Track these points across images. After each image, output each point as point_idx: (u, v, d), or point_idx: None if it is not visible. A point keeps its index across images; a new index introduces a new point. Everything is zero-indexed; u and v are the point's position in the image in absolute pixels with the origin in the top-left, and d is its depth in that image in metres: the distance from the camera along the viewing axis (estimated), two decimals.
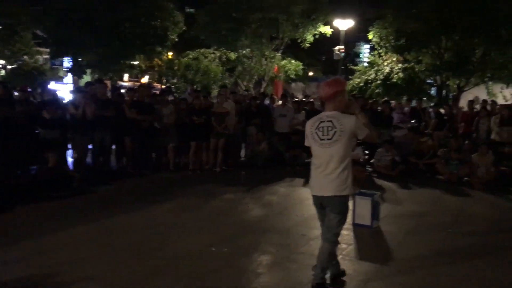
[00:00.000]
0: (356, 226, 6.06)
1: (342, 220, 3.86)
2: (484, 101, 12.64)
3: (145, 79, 29.68)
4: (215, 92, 17.14)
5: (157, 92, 12.79)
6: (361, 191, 6.37)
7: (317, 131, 3.79)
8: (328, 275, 4.05)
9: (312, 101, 13.24)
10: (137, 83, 24.97)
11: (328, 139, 3.72)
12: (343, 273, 4.25)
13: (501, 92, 18.03)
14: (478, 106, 12.92)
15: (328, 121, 3.75)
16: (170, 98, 10.87)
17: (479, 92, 19.95)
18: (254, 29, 19.29)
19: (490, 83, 18.31)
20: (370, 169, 10.56)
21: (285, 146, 10.93)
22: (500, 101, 15.59)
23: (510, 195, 8.59)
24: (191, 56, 21.20)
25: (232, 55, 21.31)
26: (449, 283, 4.34)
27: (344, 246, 5.31)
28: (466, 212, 7.26)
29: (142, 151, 9.52)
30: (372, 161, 10.74)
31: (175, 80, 21.01)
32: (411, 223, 6.43)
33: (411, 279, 4.40)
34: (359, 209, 6.13)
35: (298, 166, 10.53)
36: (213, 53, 21.41)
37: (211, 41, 20.57)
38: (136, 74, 27.30)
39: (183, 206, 7.01)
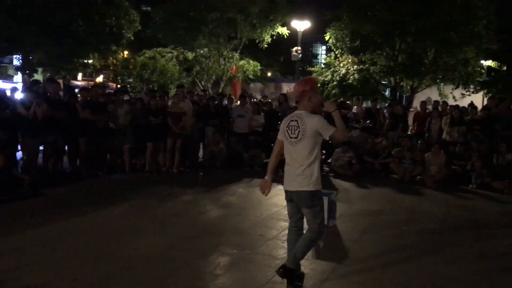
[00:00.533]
0: None
1: (316, 214, 3.96)
2: (436, 102, 13.05)
3: (100, 79, 28.96)
4: (172, 92, 16.92)
5: (112, 91, 12.47)
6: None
7: (287, 129, 3.98)
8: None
9: (270, 101, 13.30)
10: (92, 83, 24.32)
11: (295, 138, 3.92)
12: (302, 274, 4.20)
13: (451, 93, 18.73)
14: (430, 107, 13.34)
15: (294, 120, 3.93)
16: (126, 98, 10.61)
17: (431, 93, 20.68)
18: (211, 28, 19.19)
19: (442, 84, 18.97)
20: (327, 168, 10.70)
21: (244, 147, 10.92)
22: (451, 101, 16.17)
23: (461, 193, 8.90)
24: (147, 55, 20.86)
25: (190, 55, 21.12)
26: (403, 280, 4.42)
27: None
28: (419, 210, 7.47)
29: (96, 153, 9.25)
30: (329, 160, 10.89)
31: (131, 80, 20.62)
32: (366, 221, 6.54)
33: (367, 276, 4.46)
34: None
35: (257, 167, 10.54)
36: (170, 52, 21.15)
37: (168, 40, 20.32)
38: (90, 73, 26.57)
39: (138, 208, 6.84)
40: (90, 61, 20.13)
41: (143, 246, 5.12)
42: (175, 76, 20.73)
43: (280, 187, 8.74)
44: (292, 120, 3.96)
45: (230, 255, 4.93)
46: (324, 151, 11.05)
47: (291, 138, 3.94)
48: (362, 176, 9.99)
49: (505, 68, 21.43)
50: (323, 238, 4.74)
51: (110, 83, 25.89)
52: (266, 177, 4.21)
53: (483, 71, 20.81)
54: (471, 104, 11.52)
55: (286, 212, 6.75)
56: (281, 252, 5.08)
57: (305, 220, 4.10)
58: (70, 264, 4.48)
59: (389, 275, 4.52)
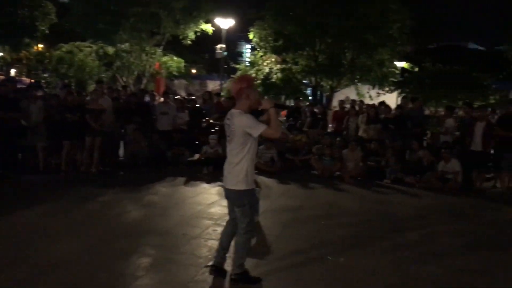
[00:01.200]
0: None
1: (244, 213, 4.01)
2: (353, 101, 13.63)
3: (12, 73, 27.10)
4: (91, 88, 16.25)
5: (25, 87, 11.74)
6: None
7: (226, 127, 4.06)
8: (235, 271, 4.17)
9: (194, 99, 13.17)
10: (2, 77, 22.72)
11: (228, 137, 4.02)
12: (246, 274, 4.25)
13: (368, 92, 19.65)
14: (348, 106, 13.91)
15: (228, 119, 4.00)
16: (40, 93, 10.02)
17: (350, 93, 21.55)
18: (133, 23, 18.62)
19: (359, 84, 19.85)
20: None
21: (167, 145, 10.72)
22: (368, 101, 16.96)
23: (376, 187, 9.37)
24: (64, 49, 19.84)
25: (110, 50, 20.37)
26: (323, 273, 4.58)
27: None
28: (338, 204, 7.76)
29: (7, 152, 8.64)
30: None
31: (46, 75, 19.50)
32: (287, 217, 6.70)
33: (288, 271, 4.57)
34: None
35: (181, 165, 10.41)
36: (89, 46, 20.27)
37: (87, 34, 19.44)
38: (1, 67, 24.82)
39: (53, 211, 6.48)
40: (1, 54, 18.81)
41: (59, 250, 4.86)
42: (94, 71, 19.92)
43: (205, 185, 8.81)
44: (227, 119, 4.03)
45: (151, 256, 4.83)
46: None
47: (228, 136, 4.03)
48: (284, 173, 10.21)
49: (417, 69, 22.87)
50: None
51: (23, 78, 24.33)
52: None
53: (397, 72, 22.06)
54: (383, 103, 12.14)
55: (210, 210, 6.81)
56: (204, 250, 5.07)
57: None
58: None
59: (310, 269, 4.66)
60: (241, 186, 3.96)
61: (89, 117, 9.17)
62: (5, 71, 26.17)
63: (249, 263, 4.69)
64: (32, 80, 19.25)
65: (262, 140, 10.90)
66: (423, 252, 5.39)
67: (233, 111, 4.00)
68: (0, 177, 8.23)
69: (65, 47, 20.13)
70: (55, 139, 9.14)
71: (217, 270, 4.29)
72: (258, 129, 3.85)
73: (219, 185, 4.18)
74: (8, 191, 7.66)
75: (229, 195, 4.07)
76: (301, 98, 15.84)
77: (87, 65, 19.69)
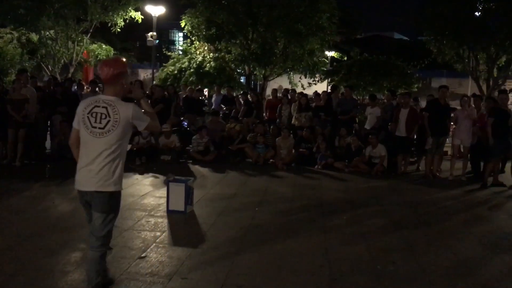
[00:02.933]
0: (170, 213, 6.13)
1: (107, 221, 3.38)
2: (286, 90, 13.88)
3: None
4: (12, 77, 15.32)
5: None
6: (176, 178, 6.43)
7: (90, 116, 3.31)
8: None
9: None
10: None
11: (100, 128, 3.29)
12: (111, 281, 3.86)
13: (299, 81, 20.02)
14: (281, 94, 14.15)
15: (103, 107, 3.31)
16: None
17: (283, 82, 21.88)
18: (57, 9, 17.68)
19: (292, 73, 20.18)
20: (185, 156, 10.74)
21: None
22: (300, 89, 17.32)
23: (308, 173, 9.64)
24: None
25: (34, 37, 19.26)
26: (257, 259, 4.67)
27: (158, 233, 5.33)
28: (271, 191, 7.93)
29: None
30: (188, 148, 10.94)
31: None
32: (222, 205, 6.75)
33: (223, 259, 4.61)
34: (173, 195, 6.19)
35: None
36: (10, 33, 19.05)
37: (6, 20, 18.22)
38: None
39: None
40: None
41: None
42: (16, 59, 18.76)
43: (137, 176, 8.65)
44: (97, 106, 3.31)
45: (81, 250, 4.68)
46: (182, 139, 11.08)
47: (94, 128, 3.29)
48: (219, 161, 10.24)
49: (345, 58, 23.59)
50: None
51: None
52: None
53: (327, 61, 22.63)
54: (315, 92, 12.51)
55: (143, 202, 6.71)
56: (137, 242, 5.02)
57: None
58: None
59: (244, 255, 4.73)
60: (114, 188, 3.36)
61: (10, 108, 8.67)
62: None
63: (182, 253, 4.71)
64: None
65: (196, 129, 10.88)
66: (350, 233, 5.65)
67: (109, 98, 3.35)
68: None
69: None
70: None
71: None
72: (145, 121, 3.41)
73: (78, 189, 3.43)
74: None
75: (95, 199, 3.35)
76: (233, 87, 15.89)
77: (8, 53, 18.51)
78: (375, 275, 4.37)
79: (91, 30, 19.80)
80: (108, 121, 3.29)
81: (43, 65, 19.95)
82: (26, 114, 8.91)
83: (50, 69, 19.57)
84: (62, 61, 19.56)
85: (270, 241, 5.21)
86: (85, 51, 20.19)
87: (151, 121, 3.46)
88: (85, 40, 19.62)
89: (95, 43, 20.69)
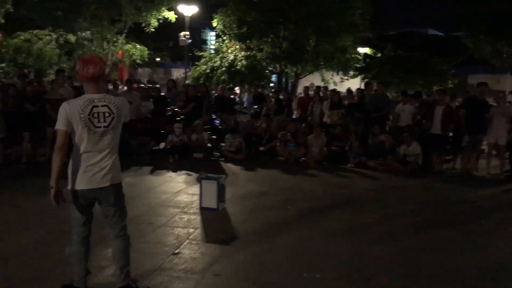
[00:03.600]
0: (203, 210, 6.20)
1: (124, 209, 3.62)
2: (318, 87, 13.81)
3: None
4: (51, 77, 15.80)
5: None
6: (208, 175, 6.52)
7: (91, 117, 3.30)
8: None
9: (158, 87, 13.05)
10: None
11: (105, 127, 3.35)
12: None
13: (331, 78, 19.90)
14: (312, 92, 14.09)
15: (102, 105, 3.34)
16: None
17: (314, 79, 21.79)
18: (93, 10, 18.15)
19: (323, 70, 20.07)
20: (217, 153, 10.83)
21: (131, 134, 10.59)
22: (332, 87, 17.21)
23: (340, 172, 9.57)
24: (22, 38, 19.16)
25: (72, 38, 19.82)
26: (287, 256, 4.69)
27: (191, 230, 5.41)
28: (302, 189, 7.91)
29: None
30: (222, 145, 11.03)
31: (3, 64, 18.79)
32: (253, 203, 6.79)
33: (254, 256, 4.65)
34: (206, 193, 6.26)
35: (146, 155, 10.34)
36: (49, 35, 19.66)
37: (44, 22, 18.82)
38: None
39: (11, 203, 6.35)
40: None
41: (17, 243, 4.79)
42: (54, 60, 19.36)
43: (171, 174, 8.79)
44: (95, 106, 3.31)
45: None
46: (214, 136, 11.18)
47: (98, 127, 3.32)
48: (250, 159, 10.28)
49: (379, 55, 23.27)
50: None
51: None
52: (57, 187, 3.40)
53: (360, 58, 22.39)
54: (348, 90, 12.40)
55: (176, 199, 6.82)
56: (171, 238, 5.10)
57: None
58: None
59: (275, 253, 4.76)
60: (121, 177, 3.56)
61: (49, 107, 8.95)
62: None
63: (215, 249, 4.76)
64: None
65: (230, 128, 10.97)
66: (379, 232, 5.59)
67: (104, 95, 3.40)
68: None
69: (23, 35, 19.43)
70: (14, 130, 8.90)
71: None
72: (130, 114, 3.62)
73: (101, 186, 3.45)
74: None
75: (113, 192, 3.48)
76: (265, 85, 15.92)
77: (46, 54, 19.10)
78: (407, 275, 4.32)
79: (125, 31, 20.24)
80: (113, 118, 3.37)
81: None
82: None
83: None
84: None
85: (301, 240, 5.21)
86: (119, 51, 20.63)
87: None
88: (120, 40, 20.04)
89: (129, 44, 21.09)
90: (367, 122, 11.08)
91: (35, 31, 19.50)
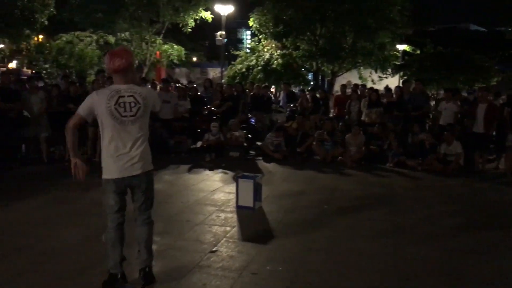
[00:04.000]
0: (239, 208, 6.21)
1: (152, 197, 3.76)
2: (355, 85, 13.61)
3: (13, 64, 27.08)
4: (91, 77, 16.22)
5: (26, 78, 11.75)
6: (244, 174, 6.53)
7: (118, 107, 3.42)
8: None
9: (195, 86, 13.19)
10: (3, 69, 22.70)
11: (132, 116, 3.46)
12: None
13: (369, 76, 19.59)
14: (350, 90, 13.90)
15: (129, 96, 3.46)
16: (40, 84, 10.05)
17: (352, 77, 21.50)
18: (132, 11, 18.54)
19: (361, 68, 19.79)
20: (253, 152, 10.85)
21: (169, 133, 10.76)
22: (370, 85, 16.92)
23: (378, 171, 9.40)
24: (64, 39, 19.79)
25: (111, 39, 20.32)
26: (325, 257, 4.63)
27: (228, 228, 5.43)
28: (340, 189, 7.81)
29: (9, 143, 8.70)
30: (259, 144, 11.04)
31: (46, 65, 19.47)
32: (290, 202, 6.74)
33: (291, 256, 4.62)
34: (242, 191, 6.27)
35: (183, 153, 10.47)
36: (89, 36, 20.23)
37: (85, 24, 19.37)
38: (1, 59, 24.76)
39: (56, 200, 6.55)
40: (1, 46, 18.76)
41: (62, 238, 4.93)
42: (95, 61, 19.91)
43: (207, 172, 8.86)
44: (121, 96, 3.44)
45: (156, 242, 4.83)
46: (250, 136, 11.20)
47: (125, 117, 3.44)
48: (286, 158, 10.24)
49: (418, 52, 22.75)
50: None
51: (24, 70, 24.30)
52: (75, 159, 3.60)
53: (399, 55, 21.94)
54: (386, 87, 12.15)
55: (213, 197, 6.86)
56: (208, 236, 5.13)
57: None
58: None
59: (312, 253, 4.71)
60: (151, 166, 3.68)
61: None
62: (6, 63, 26.18)
63: (252, 248, 4.76)
64: (33, 71, 19.26)
65: (263, 126, 10.97)
66: (420, 234, 5.44)
67: (131, 86, 3.51)
68: (4, 169, 8.32)
69: (65, 37, 20.07)
70: (57, 129, 9.18)
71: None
72: (159, 103, 3.70)
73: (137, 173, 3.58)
74: (11, 182, 7.73)
75: (142, 180, 3.59)
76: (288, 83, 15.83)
77: (87, 55, 19.65)
78: (448, 277, 4.19)
79: (163, 31, 20.56)
80: (139, 108, 3.47)
81: None
82: None
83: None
84: (136, 61, 20.47)
85: (339, 239, 5.14)
86: (157, 52, 20.97)
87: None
88: (157, 41, 20.38)
89: (167, 44, 21.42)
90: (406, 121, 10.84)
91: (76, 33, 20.11)
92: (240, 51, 23.86)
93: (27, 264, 4.23)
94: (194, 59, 32.16)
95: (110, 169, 3.54)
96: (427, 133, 10.05)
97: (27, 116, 8.95)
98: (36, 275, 4.01)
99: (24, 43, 20.86)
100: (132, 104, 3.45)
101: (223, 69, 22.84)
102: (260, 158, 10.36)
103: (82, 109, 3.52)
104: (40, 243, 4.78)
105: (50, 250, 4.60)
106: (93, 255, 4.46)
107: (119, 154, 3.50)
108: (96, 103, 3.45)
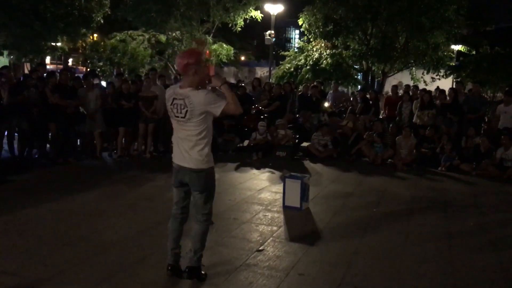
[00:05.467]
0: (286, 209, 6.18)
1: (207, 199, 3.77)
2: (407, 86, 13.25)
3: (69, 62, 28.23)
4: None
5: (82, 75, 12.20)
6: (292, 174, 6.49)
7: (172, 107, 3.65)
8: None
9: (243, 85, 13.25)
10: (61, 66, 23.70)
11: (182, 117, 3.61)
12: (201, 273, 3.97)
13: (422, 77, 19.01)
14: (401, 91, 13.55)
15: (180, 99, 3.60)
16: (96, 81, 10.40)
17: (403, 78, 20.96)
18: (183, 11, 18.87)
19: (413, 68, 19.24)
20: (300, 153, 10.79)
21: (217, 131, 10.85)
22: (422, 86, 16.43)
23: (430, 175, 9.11)
24: (118, 38, 20.41)
25: (163, 38, 20.76)
26: (373, 260, 4.53)
27: (274, 228, 5.41)
28: (389, 192, 7.61)
29: (67, 138, 9.08)
30: (303, 144, 10.97)
31: (101, 63, 20.15)
32: (338, 203, 6.65)
33: (338, 257, 4.54)
34: (289, 191, 6.24)
35: (231, 151, 10.55)
36: (142, 35, 20.75)
37: (138, 23, 19.89)
38: (59, 57, 25.85)
39: (109, 194, 6.76)
40: (59, 44, 19.57)
41: (114, 231, 5.08)
42: (146, 59, 20.40)
43: (254, 171, 8.89)
44: (175, 99, 3.62)
45: (208, 233, 4.91)
46: (297, 136, 11.13)
47: (177, 117, 3.64)
48: (334, 159, 10.11)
49: (474, 52, 21.88)
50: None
51: (79, 67, 25.27)
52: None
53: (453, 56, 21.17)
54: (437, 89, 11.74)
55: (260, 196, 6.87)
56: (255, 235, 5.13)
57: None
58: (39, 251, 4.41)
59: (360, 256, 4.62)
60: (206, 165, 3.68)
61: (141, 104, 9.42)
62: (63, 61, 27.32)
63: (298, 248, 4.72)
64: (88, 69, 20.00)
65: (319, 126, 10.86)
66: (475, 242, 5.22)
67: (185, 90, 3.58)
68: (61, 163, 8.68)
69: (119, 35, 20.67)
70: (111, 125, 9.49)
71: (174, 269, 3.97)
72: (219, 106, 3.53)
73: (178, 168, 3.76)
74: (68, 175, 8.04)
75: (192, 178, 3.69)
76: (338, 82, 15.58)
77: (140, 53, 20.16)
78: (507, 286, 3.98)
79: (213, 31, 20.79)
80: (187, 111, 3.58)
81: (169, 65, 21.41)
82: (155, 110, 9.60)
83: (176, 68, 20.90)
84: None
85: (389, 243, 5.01)
86: (207, 51, 21.22)
87: (228, 103, 3.54)
88: (208, 40, 20.62)
89: (216, 43, 21.65)
90: (461, 123, 10.44)
91: (129, 32, 20.67)
92: (288, 50, 23.78)
93: (84, 254, 4.38)
94: (242, 58, 32.34)
95: (174, 155, 3.80)
96: (483, 137, 9.63)
97: (83, 112, 9.29)
98: (92, 266, 4.14)
99: (80, 41, 21.69)
100: (182, 107, 3.60)
101: (271, 68, 22.83)
102: (307, 158, 10.28)
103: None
104: (95, 234, 4.95)
105: (105, 241, 4.74)
106: (147, 247, 4.60)
107: (177, 144, 3.75)
108: (166, 101, 3.76)
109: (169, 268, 3.95)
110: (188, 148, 3.65)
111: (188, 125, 3.61)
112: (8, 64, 17.02)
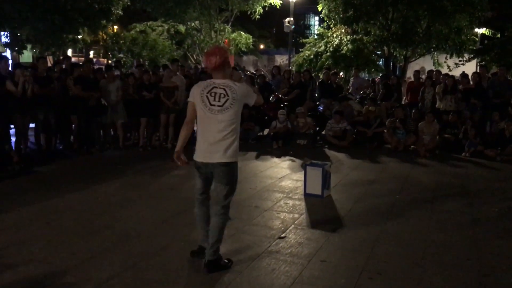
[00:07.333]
0: (307, 196, 6.18)
1: (230, 192, 3.83)
2: (429, 71, 13.01)
3: (90, 54, 28.57)
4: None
5: (104, 67, 12.33)
6: (312, 162, 6.48)
7: (209, 95, 3.71)
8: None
9: (263, 74, 13.22)
10: (82, 58, 23.99)
11: (219, 106, 3.68)
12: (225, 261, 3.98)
13: (445, 62, 18.64)
14: (424, 76, 13.31)
15: (221, 88, 3.72)
16: (117, 73, 10.50)
17: (425, 63, 20.59)
18: (202, 0, 18.87)
19: (436, 53, 18.87)
20: (321, 141, 10.74)
21: None
22: (445, 71, 16.11)
23: (454, 161, 8.98)
24: (137, 29, 20.54)
25: (182, 28, 20.81)
26: (397, 247, 4.50)
27: (296, 215, 5.43)
28: (412, 178, 7.54)
29: (89, 129, 9.22)
30: (323, 132, 10.91)
31: (121, 55, 20.34)
32: (360, 191, 6.61)
33: (361, 245, 4.53)
34: (310, 179, 6.22)
35: (251, 140, 10.56)
36: (161, 26, 20.84)
37: (157, 13, 19.96)
38: (80, 49, 26.19)
39: (132, 184, 6.86)
40: (80, 36, 19.81)
41: (137, 220, 5.16)
42: (166, 50, 20.50)
43: (275, 159, 8.90)
44: (215, 87, 3.72)
45: (226, 226, 4.95)
46: (316, 123, 11.07)
47: (213, 105, 3.68)
48: (355, 146, 10.04)
49: (498, 35, 21.32)
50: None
51: (100, 59, 25.54)
52: (177, 151, 3.92)
53: (477, 39, 20.67)
54: (462, 74, 11.50)
55: (281, 184, 6.88)
56: (277, 222, 5.16)
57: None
58: (66, 240, 4.51)
59: (383, 243, 4.60)
60: (233, 159, 3.76)
61: (162, 95, 9.49)
62: (84, 53, 27.66)
63: (320, 236, 4.73)
64: (109, 61, 20.21)
65: (331, 114, 10.79)
66: (500, 228, 5.15)
67: (225, 81, 3.73)
68: (85, 153, 8.84)
69: (138, 27, 20.80)
70: (133, 116, 9.59)
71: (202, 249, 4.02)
72: (254, 97, 3.84)
73: (201, 162, 3.79)
74: (91, 166, 8.18)
75: (219, 170, 3.74)
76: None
77: (159, 44, 20.27)
78: None
79: (231, 19, 20.74)
80: (227, 100, 3.68)
81: (188, 54, 21.50)
82: (176, 100, 9.66)
83: (195, 57, 20.97)
84: (206, 50, 20.83)
85: (412, 230, 4.98)
86: (225, 40, 21.22)
87: (256, 97, 3.85)
88: (226, 29, 20.60)
89: (235, 32, 21.61)
90: (485, 109, 10.23)
91: (148, 23, 20.77)
92: (308, 37, 23.56)
93: (108, 243, 4.46)
94: (262, 46, 32.25)
95: (196, 152, 3.83)
96: (508, 121, 9.43)
97: (104, 103, 9.40)
98: (116, 254, 4.22)
99: (101, 33, 21.90)
100: (222, 96, 3.69)
101: (291, 55, 22.69)
102: (327, 146, 10.23)
103: (191, 97, 3.83)
104: (118, 223, 5.03)
105: (129, 230, 4.82)
106: (169, 236, 4.66)
107: (203, 140, 3.76)
108: (195, 91, 3.79)
109: (197, 249, 4.06)
110: (217, 140, 3.69)
111: (223, 115, 3.67)
112: (31, 59, 17.30)
